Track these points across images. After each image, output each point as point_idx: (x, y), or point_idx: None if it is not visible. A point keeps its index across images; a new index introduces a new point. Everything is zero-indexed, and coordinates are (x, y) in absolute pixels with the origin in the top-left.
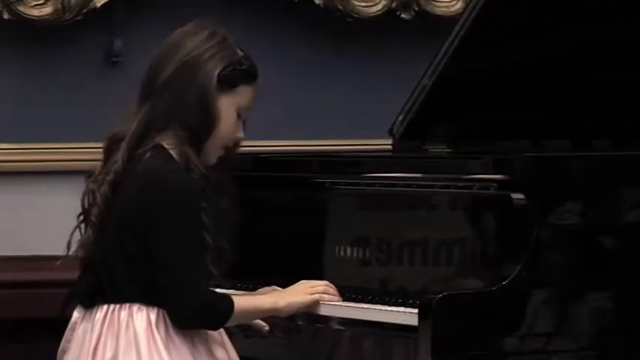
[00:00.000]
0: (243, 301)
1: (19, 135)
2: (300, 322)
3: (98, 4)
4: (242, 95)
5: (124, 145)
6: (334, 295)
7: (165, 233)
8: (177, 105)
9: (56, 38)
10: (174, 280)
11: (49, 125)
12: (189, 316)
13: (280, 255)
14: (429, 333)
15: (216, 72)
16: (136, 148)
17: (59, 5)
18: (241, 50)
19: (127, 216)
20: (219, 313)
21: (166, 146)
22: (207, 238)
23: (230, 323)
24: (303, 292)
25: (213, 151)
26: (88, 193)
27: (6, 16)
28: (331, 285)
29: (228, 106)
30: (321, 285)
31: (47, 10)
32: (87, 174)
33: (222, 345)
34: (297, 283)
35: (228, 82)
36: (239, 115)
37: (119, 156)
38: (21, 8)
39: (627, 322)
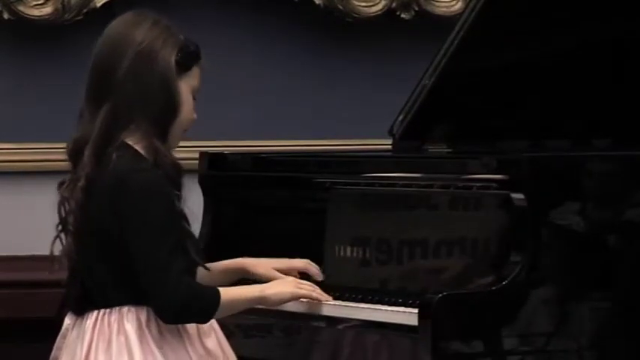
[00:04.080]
0: (229, 291)
1: (19, 135)
2: (299, 322)
3: (98, 4)
4: (194, 76)
5: (89, 149)
6: (321, 295)
7: (138, 234)
8: (141, 96)
9: (56, 38)
10: (154, 280)
11: (49, 125)
12: (175, 312)
13: (280, 255)
14: (429, 333)
15: (173, 57)
16: (103, 148)
17: (59, 5)
18: (181, 34)
19: (102, 220)
20: (205, 306)
21: (131, 143)
22: (186, 226)
23: (218, 315)
24: (291, 285)
25: (176, 137)
26: (63, 202)
27: (6, 16)
28: (316, 287)
29: (185, 89)
30: (307, 284)
31: (47, 10)
32: (59, 182)
33: (215, 336)
34: (284, 277)
35: (183, 66)
36: (194, 98)
37: (86, 160)
38: (21, 8)
39: (627, 322)
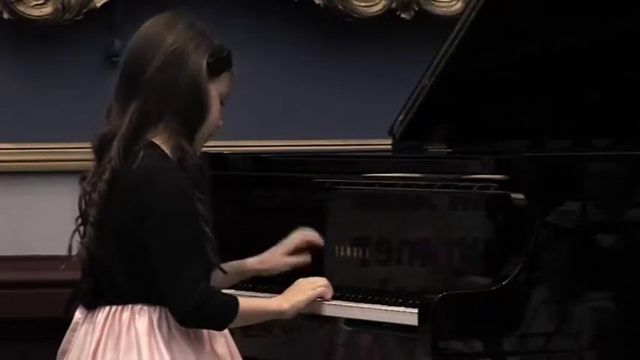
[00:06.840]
0: (248, 302)
1: (19, 135)
2: (300, 322)
3: (98, 4)
4: (224, 82)
5: (116, 143)
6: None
7: (158, 235)
8: (170, 94)
9: (56, 38)
10: (170, 281)
11: (49, 125)
12: (188, 315)
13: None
14: (429, 333)
15: (205, 60)
16: (132, 143)
17: (59, 5)
18: (215, 39)
19: (123, 218)
20: (222, 313)
21: (158, 142)
22: (206, 229)
23: (234, 324)
24: (304, 290)
25: (202, 141)
26: (85, 195)
27: (6, 16)
28: (328, 283)
29: (214, 93)
30: (321, 281)
31: (47, 10)
32: (81, 176)
33: (225, 341)
34: (296, 282)
35: (214, 70)
36: (222, 103)
37: (114, 153)
38: (21, 8)
39: (627, 322)
